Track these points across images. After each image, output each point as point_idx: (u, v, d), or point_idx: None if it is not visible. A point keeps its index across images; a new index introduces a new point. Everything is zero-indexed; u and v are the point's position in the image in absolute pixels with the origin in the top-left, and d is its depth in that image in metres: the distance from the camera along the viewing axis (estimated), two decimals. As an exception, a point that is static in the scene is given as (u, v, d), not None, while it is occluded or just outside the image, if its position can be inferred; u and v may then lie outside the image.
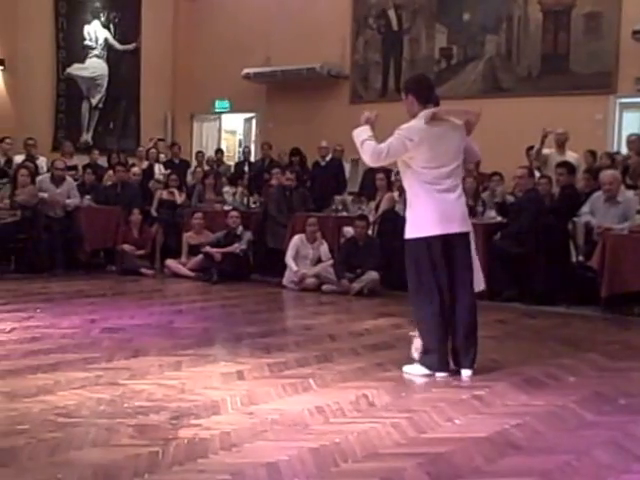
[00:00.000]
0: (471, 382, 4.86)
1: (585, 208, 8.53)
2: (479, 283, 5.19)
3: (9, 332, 6.02)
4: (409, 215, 5.11)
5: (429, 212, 4.97)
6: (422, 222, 4.98)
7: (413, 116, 5.08)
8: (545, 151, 9.94)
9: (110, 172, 11.81)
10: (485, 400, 4.45)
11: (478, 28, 12.55)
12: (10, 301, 7.63)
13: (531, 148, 10.22)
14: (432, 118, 4.97)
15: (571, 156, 9.85)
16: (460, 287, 5.02)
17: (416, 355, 5.11)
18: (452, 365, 5.04)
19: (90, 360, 5.14)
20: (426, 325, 5.04)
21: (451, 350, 5.05)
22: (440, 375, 4.97)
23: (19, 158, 11.97)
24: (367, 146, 4.98)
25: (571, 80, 11.66)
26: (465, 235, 5.07)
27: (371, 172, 10.33)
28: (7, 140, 11.66)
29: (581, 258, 8.48)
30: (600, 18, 11.44)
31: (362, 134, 5.04)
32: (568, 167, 9.09)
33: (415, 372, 5.03)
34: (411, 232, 5.05)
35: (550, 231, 8.47)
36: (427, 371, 5.00)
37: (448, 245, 4.98)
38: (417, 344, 5.11)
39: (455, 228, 4.99)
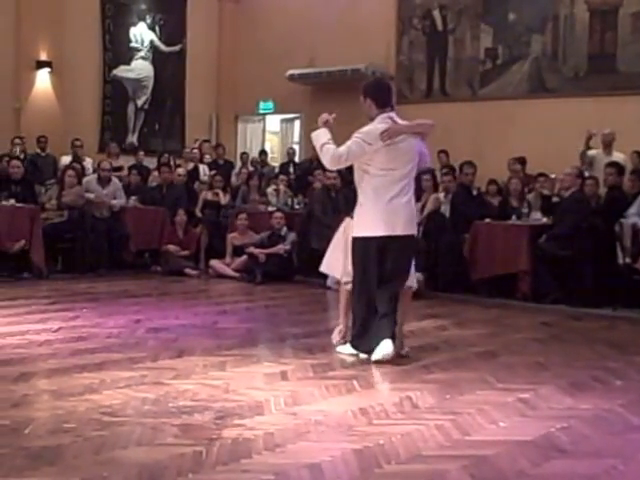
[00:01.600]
0: (516, 385, 4.81)
1: (632, 209, 8.40)
2: (412, 281, 5.61)
3: (56, 331, 6.10)
4: (358, 215, 5.40)
5: (378, 214, 5.25)
6: (370, 223, 5.28)
7: (371, 119, 5.33)
8: (591, 152, 9.82)
9: (155, 173, 11.92)
10: (530, 403, 4.40)
11: (524, 28, 12.44)
12: (57, 300, 7.73)
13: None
14: (389, 138, 5.17)
15: (618, 156, 9.72)
16: (386, 281, 5.30)
17: (334, 340, 5.75)
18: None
19: (135, 360, 5.18)
20: (359, 311, 5.39)
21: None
22: (363, 356, 5.30)
23: (66, 159, 12.15)
24: (326, 150, 5.26)
25: (618, 80, 11.51)
26: (408, 236, 5.35)
27: (420, 173, 10.28)
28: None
29: (628, 260, 8.35)
30: (648, 17, 11.28)
31: (321, 137, 5.33)
32: (618, 167, 8.96)
33: (345, 351, 5.46)
34: (359, 231, 5.37)
35: (596, 233, 8.37)
36: (354, 351, 5.38)
37: (386, 244, 5.26)
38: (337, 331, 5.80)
39: (399, 231, 5.27)
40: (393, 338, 5.26)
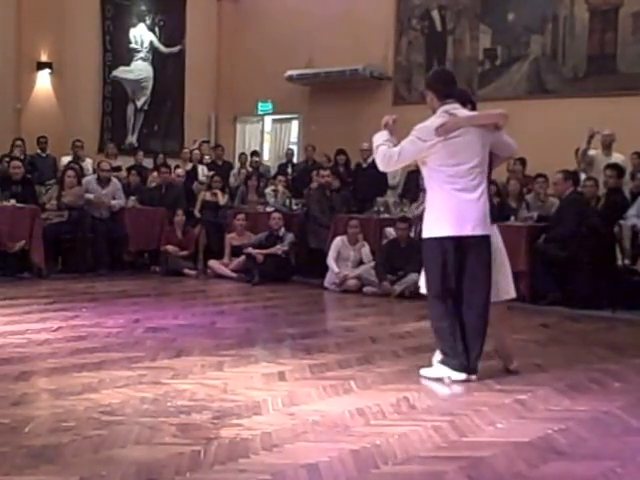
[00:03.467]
0: (514, 386, 4.82)
1: (632, 211, 8.41)
2: (508, 291, 5.11)
3: (55, 331, 6.11)
4: (426, 214, 5.01)
5: (444, 212, 4.86)
6: (437, 222, 4.89)
7: (434, 112, 4.98)
8: (591, 152, 9.81)
9: (154, 173, 11.93)
10: (528, 405, 4.41)
11: (523, 28, 12.43)
12: (56, 300, 7.75)
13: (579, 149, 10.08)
14: (445, 133, 4.82)
15: (618, 157, 9.71)
16: (468, 291, 4.90)
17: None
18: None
19: (134, 359, 5.20)
20: (439, 327, 4.99)
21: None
22: (458, 377, 4.87)
23: (66, 160, 12.17)
24: (380, 151, 4.94)
25: (618, 81, 11.48)
26: (480, 238, 4.88)
27: (414, 173, 10.29)
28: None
29: (627, 262, 8.36)
30: (649, 17, 11.25)
31: (378, 139, 5.00)
32: (618, 169, 8.95)
33: (431, 374, 4.97)
34: (427, 232, 4.97)
35: (595, 234, 8.37)
36: (447, 373, 4.91)
37: (461, 247, 4.86)
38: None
39: (468, 230, 4.83)
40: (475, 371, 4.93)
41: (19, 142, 11.76)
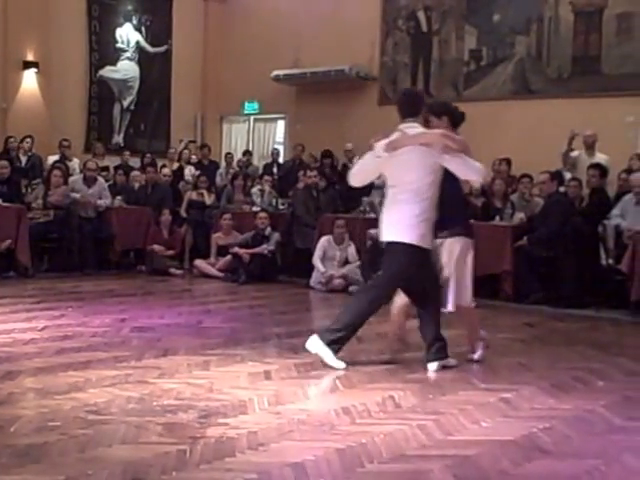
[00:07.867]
0: (499, 385, 4.85)
1: (616, 211, 8.47)
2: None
3: (41, 330, 6.10)
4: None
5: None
6: None
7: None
8: (574, 153, 9.85)
9: (136, 172, 11.87)
10: (512, 403, 4.44)
11: (508, 29, 12.46)
12: (42, 299, 7.73)
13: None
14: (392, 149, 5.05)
15: (601, 158, 9.75)
16: None
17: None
18: None
19: (120, 359, 5.20)
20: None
21: None
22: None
23: (52, 159, 12.13)
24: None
25: (602, 82, 11.53)
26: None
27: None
28: (27, 140, 11.93)
29: (611, 261, 8.42)
30: (633, 19, 11.25)
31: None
32: (600, 169, 9.00)
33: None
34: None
35: (579, 234, 8.42)
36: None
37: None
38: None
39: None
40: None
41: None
